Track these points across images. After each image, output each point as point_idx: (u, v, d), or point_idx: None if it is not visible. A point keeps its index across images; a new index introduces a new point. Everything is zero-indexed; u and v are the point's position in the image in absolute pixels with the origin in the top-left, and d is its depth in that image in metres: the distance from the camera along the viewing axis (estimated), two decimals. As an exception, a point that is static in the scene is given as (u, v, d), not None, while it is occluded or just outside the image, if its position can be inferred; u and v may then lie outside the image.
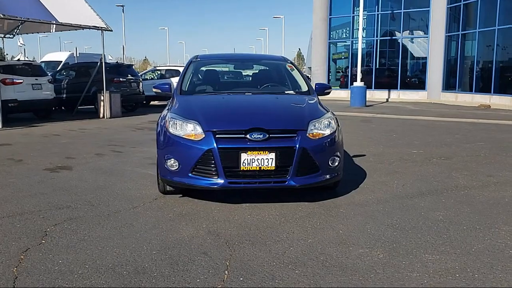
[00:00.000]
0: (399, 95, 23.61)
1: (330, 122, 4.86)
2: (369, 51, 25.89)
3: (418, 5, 23.56)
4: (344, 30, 26.05)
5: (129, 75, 16.62)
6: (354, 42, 24.99)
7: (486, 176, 6.09)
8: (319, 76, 25.74)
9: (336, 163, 4.83)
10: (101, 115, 14.53)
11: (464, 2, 21.10)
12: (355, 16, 24.98)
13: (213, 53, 8.44)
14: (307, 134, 4.60)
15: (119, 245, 3.66)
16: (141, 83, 17.08)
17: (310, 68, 50.02)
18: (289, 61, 6.54)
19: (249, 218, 4.34)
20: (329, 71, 26.33)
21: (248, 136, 4.48)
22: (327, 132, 4.76)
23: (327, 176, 4.74)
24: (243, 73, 6.35)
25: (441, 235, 3.88)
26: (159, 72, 20.16)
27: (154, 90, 6.01)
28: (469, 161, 7.20)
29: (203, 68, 6.40)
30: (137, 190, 5.38)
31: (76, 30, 14.82)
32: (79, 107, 15.74)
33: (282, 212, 4.51)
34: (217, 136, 4.49)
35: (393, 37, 25.05)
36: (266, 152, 4.45)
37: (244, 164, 4.44)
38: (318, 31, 25.93)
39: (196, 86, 6.02)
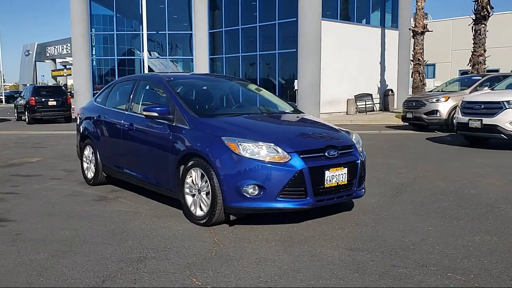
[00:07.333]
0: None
1: (359, 138, 5.43)
2: (132, 70, 25.97)
3: (181, 28, 25.04)
4: (108, 48, 25.40)
5: None
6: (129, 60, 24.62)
7: (398, 173, 7.57)
8: (82, 94, 24.21)
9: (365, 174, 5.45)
10: None
11: (226, 29, 23.67)
12: (115, 34, 24.78)
13: (179, 74, 7.60)
14: (358, 149, 5.08)
15: (315, 272, 3.44)
16: None
17: (25, 85, 44.70)
18: (250, 82, 6.69)
19: (340, 232, 4.51)
20: (93, 89, 25.05)
21: (326, 153, 4.66)
22: (360, 146, 5.32)
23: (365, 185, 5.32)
24: (233, 94, 6.14)
25: (487, 216, 4.96)
26: None
27: (146, 113, 5.24)
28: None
29: (190, 89, 5.95)
30: (168, 229, 4.68)
31: None
32: None
33: (349, 223, 4.80)
34: (301, 156, 4.51)
35: (159, 57, 25.86)
36: (342, 167, 4.73)
37: (327, 181, 4.60)
38: (79, 47, 24.45)
39: (207, 107, 5.59)
